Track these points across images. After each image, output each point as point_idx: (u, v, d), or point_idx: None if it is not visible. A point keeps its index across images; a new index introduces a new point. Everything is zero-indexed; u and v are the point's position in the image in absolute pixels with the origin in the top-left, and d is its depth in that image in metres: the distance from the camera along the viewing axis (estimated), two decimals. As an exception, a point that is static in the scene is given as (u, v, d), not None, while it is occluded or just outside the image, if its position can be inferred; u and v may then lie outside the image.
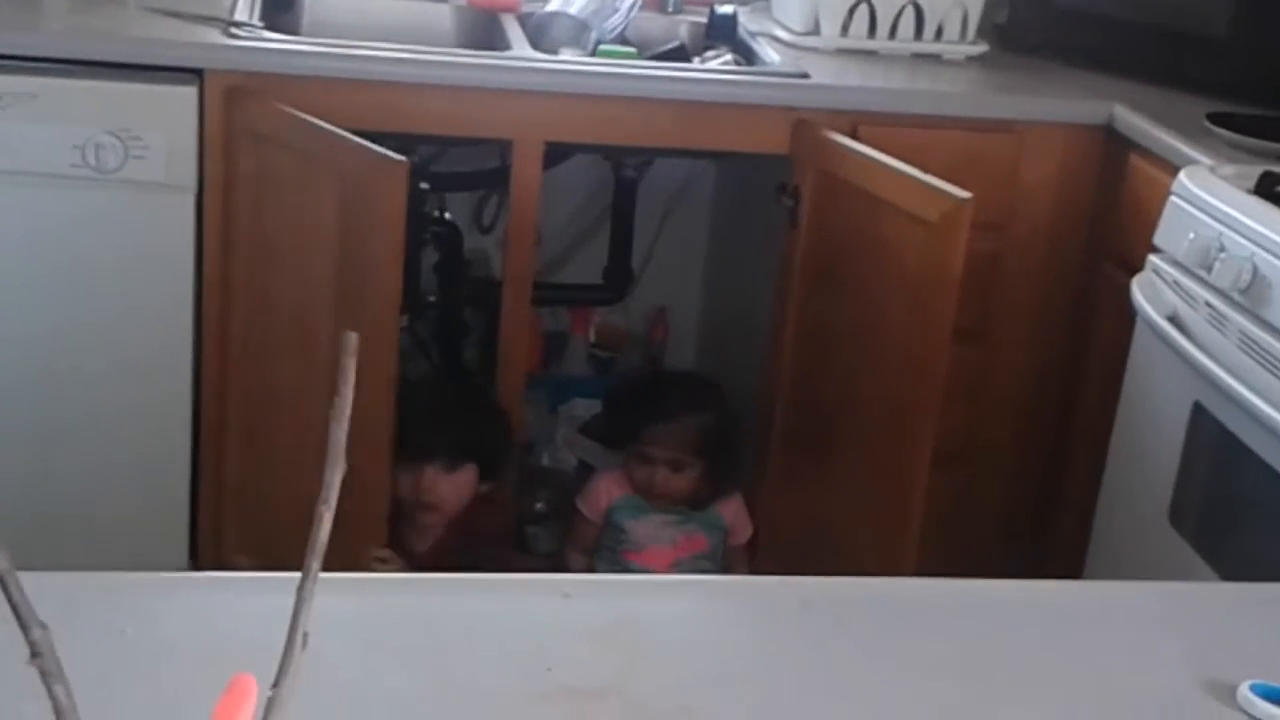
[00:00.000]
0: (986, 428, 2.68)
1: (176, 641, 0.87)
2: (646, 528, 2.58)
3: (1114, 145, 2.54)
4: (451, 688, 0.82)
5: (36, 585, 0.76)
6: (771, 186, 2.55)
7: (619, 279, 2.99)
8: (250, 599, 0.89)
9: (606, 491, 2.59)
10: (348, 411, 0.64)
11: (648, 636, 0.89)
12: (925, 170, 2.27)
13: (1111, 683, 0.91)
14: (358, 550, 2.23)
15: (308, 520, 2.31)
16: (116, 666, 0.82)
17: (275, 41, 2.39)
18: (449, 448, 2.33)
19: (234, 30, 2.37)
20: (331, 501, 0.64)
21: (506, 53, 2.51)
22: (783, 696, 0.87)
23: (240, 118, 2.30)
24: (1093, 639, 0.97)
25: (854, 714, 0.85)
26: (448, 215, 2.90)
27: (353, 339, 0.62)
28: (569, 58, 2.57)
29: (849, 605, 0.97)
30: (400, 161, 2.09)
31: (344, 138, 2.16)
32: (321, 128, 2.19)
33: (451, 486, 2.37)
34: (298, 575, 0.92)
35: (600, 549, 2.60)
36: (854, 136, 2.43)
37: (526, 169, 2.44)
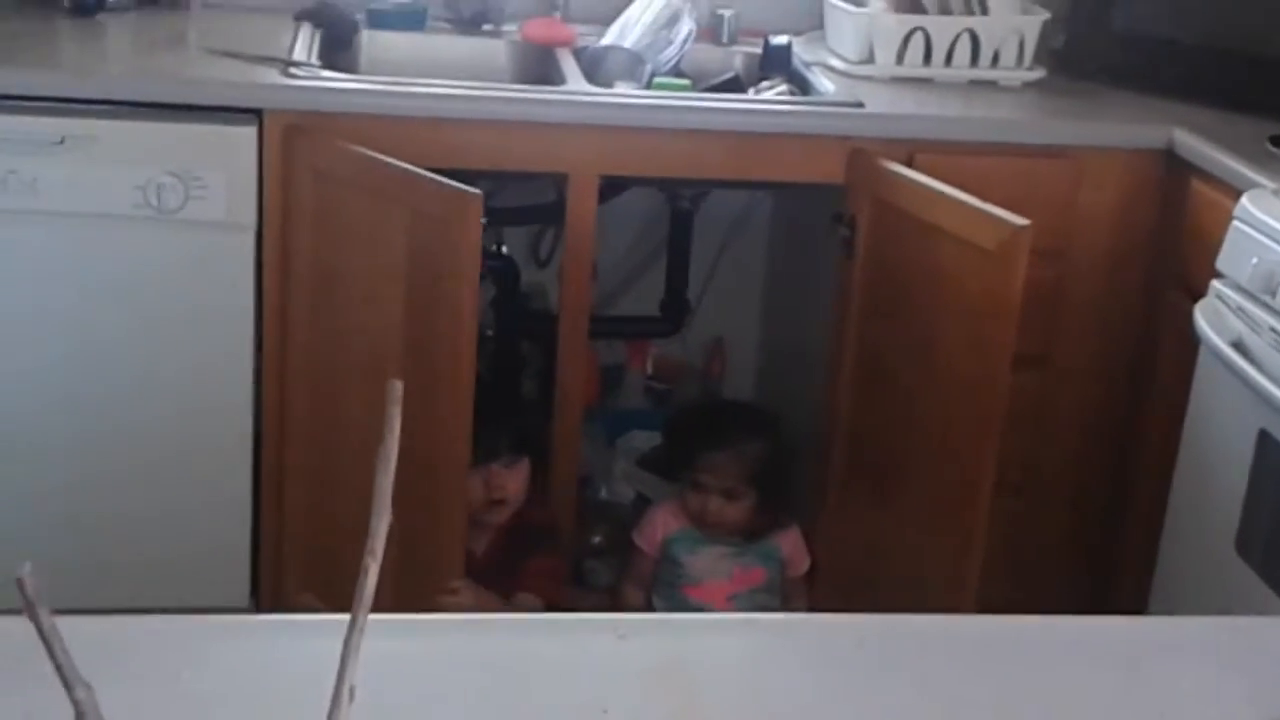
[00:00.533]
0: (1048, 455, 2.66)
1: (232, 686, 0.87)
2: (703, 561, 2.56)
3: (1174, 169, 2.51)
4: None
5: (90, 630, 0.76)
6: (828, 216, 2.54)
7: (676, 311, 2.98)
8: (308, 642, 0.89)
9: (663, 524, 2.58)
10: (393, 461, 0.64)
11: (703, 677, 0.88)
12: (983, 198, 2.26)
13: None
14: (438, 579, 2.24)
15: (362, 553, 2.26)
16: (172, 713, 0.82)
17: (333, 80, 2.41)
18: (508, 444, 2.36)
19: (292, 70, 2.40)
20: (378, 552, 0.63)
21: (561, 87, 2.52)
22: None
23: (300, 155, 2.32)
24: (1156, 676, 0.96)
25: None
26: (504, 249, 2.91)
27: (398, 388, 0.62)
28: (623, 91, 2.57)
29: (906, 643, 0.96)
30: (475, 195, 2.10)
31: (414, 173, 2.18)
32: (390, 164, 2.21)
33: (515, 478, 2.42)
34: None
35: (657, 583, 2.59)
36: (910, 165, 2.42)
37: (582, 202, 2.44)
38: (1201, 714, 0.91)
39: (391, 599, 2.39)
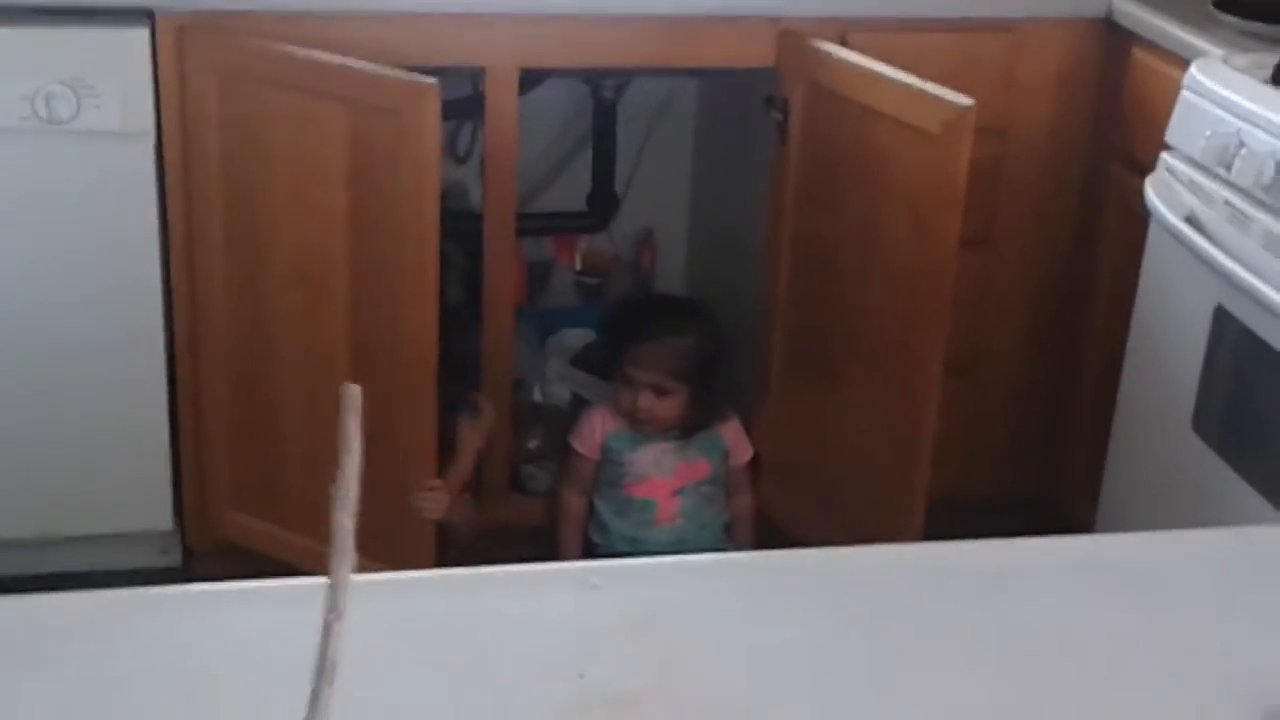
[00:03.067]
0: (994, 336, 2.60)
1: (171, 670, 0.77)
2: (645, 458, 2.49)
3: (1115, 38, 2.42)
4: (475, 705, 0.73)
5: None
6: (757, 99, 2.44)
7: (603, 204, 2.87)
8: (251, 615, 0.79)
9: (601, 424, 2.50)
10: (355, 487, 0.54)
11: (687, 627, 0.80)
12: (921, 77, 2.16)
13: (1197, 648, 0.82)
14: (410, 482, 2.18)
15: (311, 472, 2.21)
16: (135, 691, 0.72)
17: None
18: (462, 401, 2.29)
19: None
20: (341, 608, 0.53)
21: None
22: (841, 687, 0.78)
23: (199, 56, 2.17)
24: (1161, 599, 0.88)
25: (928, 706, 0.76)
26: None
27: (355, 393, 0.52)
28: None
29: (901, 578, 0.88)
30: (430, 85, 1.98)
31: (354, 66, 2.05)
32: (322, 58, 2.08)
33: (478, 436, 2.39)
34: (299, 582, 0.82)
35: (599, 484, 2.51)
36: (843, 44, 2.32)
37: (501, 96, 2.32)
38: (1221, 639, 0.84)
39: (364, 503, 2.32)
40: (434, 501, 2.20)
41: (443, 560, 2.30)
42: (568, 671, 0.75)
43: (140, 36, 2.17)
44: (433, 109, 1.96)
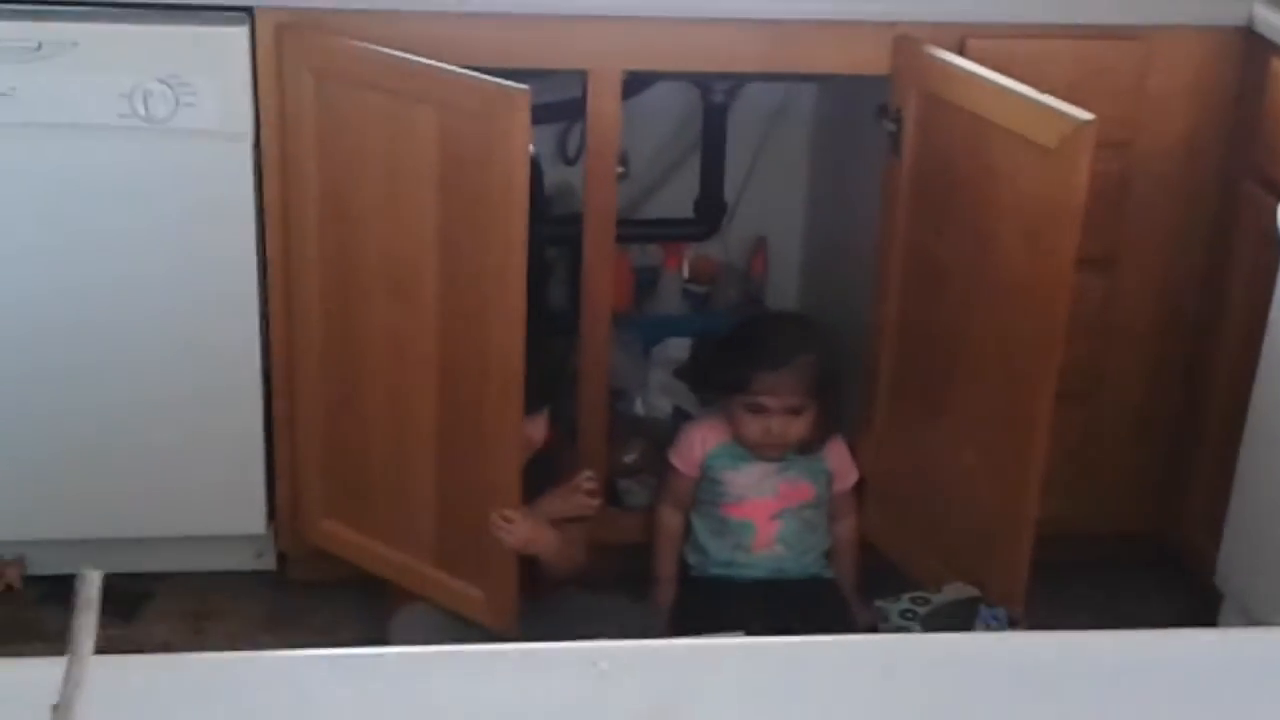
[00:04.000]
0: (1114, 362, 2.47)
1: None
2: (746, 478, 2.41)
3: (1255, 49, 2.28)
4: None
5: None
6: (874, 107, 2.34)
7: (711, 211, 2.79)
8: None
9: (701, 441, 2.42)
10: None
11: (701, 720, 0.72)
12: (1043, 86, 2.05)
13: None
14: (491, 507, 2.12)
15: (406, 481, 2.17)
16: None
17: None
18: (529, 396, 2.19)
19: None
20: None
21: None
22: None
23: (297, 55, 2.14)
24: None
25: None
26: (530, 148, 2.72)
27: (93, 581, 0.47)
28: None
29: (942, 669, 0.79)
30: (522, 91, 1.91)
31: (445, 69, 2.00)
32: (414, 60, 2.03)
33: (536, 429, 2.25)
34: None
35: (696, 503, 2.44)
36: (961, 52, 2.21)
37: (603, 100, 2.25)
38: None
39: (441, 533, 2.29)
40: (509, 532, 2.13)
41: (532, 586, 2.24)
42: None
43: (239, 34, 2.14)
44: (522, 116, 1.90)
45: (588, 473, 2.30)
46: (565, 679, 0.74)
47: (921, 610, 2.20)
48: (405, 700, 0.72)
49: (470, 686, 0.73)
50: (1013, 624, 2.17)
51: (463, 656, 0.76)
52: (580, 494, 2.27)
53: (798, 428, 2.35)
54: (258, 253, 2.26)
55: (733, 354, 2.42)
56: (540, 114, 2.64)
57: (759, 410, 2.34)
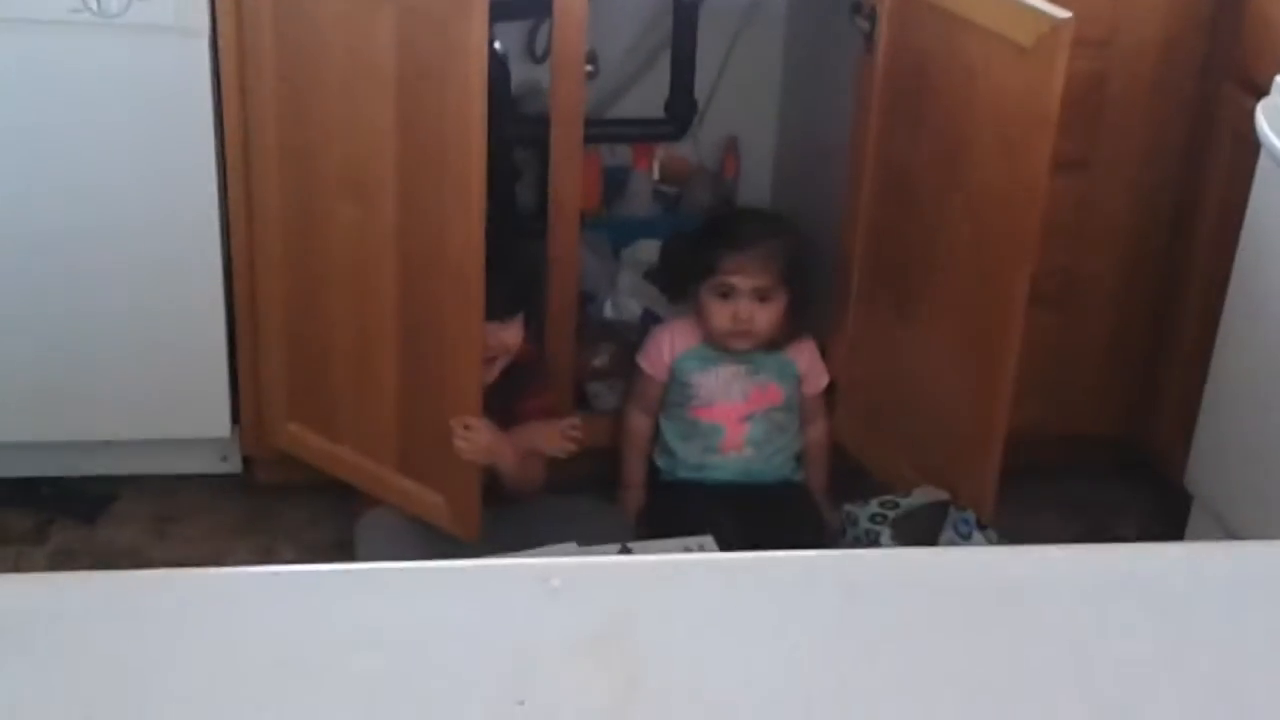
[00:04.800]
0: (1088, 265, 2.45)
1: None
2: (715, 381, 2.39)
3: (1236, -55, 2.24)
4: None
5: None
6: (846, 6, 2.29)
7: (681, 111, 2.73)
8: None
9: (670, 344, 2.39)
10: None
11: (654, 643, 0.70)
12: (1019, -20, 2.00)
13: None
14: (453, 413, 2.09)
15: (367, 386, 2.13)
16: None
17: None
18: (502, 298, 2.15)
19: None
20: None
21: None
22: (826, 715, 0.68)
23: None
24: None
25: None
26: (496, 45, 2.66)
27: None
28: None
29: (906, 587, 0.76)
30: None
31: None
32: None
33: (511, 334, 2.22)
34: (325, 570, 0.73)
35: (665, 406, 2.42)
36: (938, -54, 2.16)
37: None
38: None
39: (404, 440, 2.25)
40: (469, 440, 2.10)
41: (499, 491, 2.22)
42: (504, 697, 0.65)
43: (194, -76, 2.08)
44: (480, 17, 1.84)
45: (574, 420, 2.28)
46: (516, 596, 0.72)
47: (891, 514, 2.19)
48: (350, 619, 0.70)
49: (418, 604, 0.71)
50: (982, 528, 2.17)
51: (410, 573, 0.73)
52: (561, 436, 2.24)
53: (766, 314, 2.33)
54: (216, 153, 2.21)
55: (700, 241, 2.39)
56: (506, 10, 2.58)
57: (727, 294, 2.31)
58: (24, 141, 2.17)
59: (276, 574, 0.67)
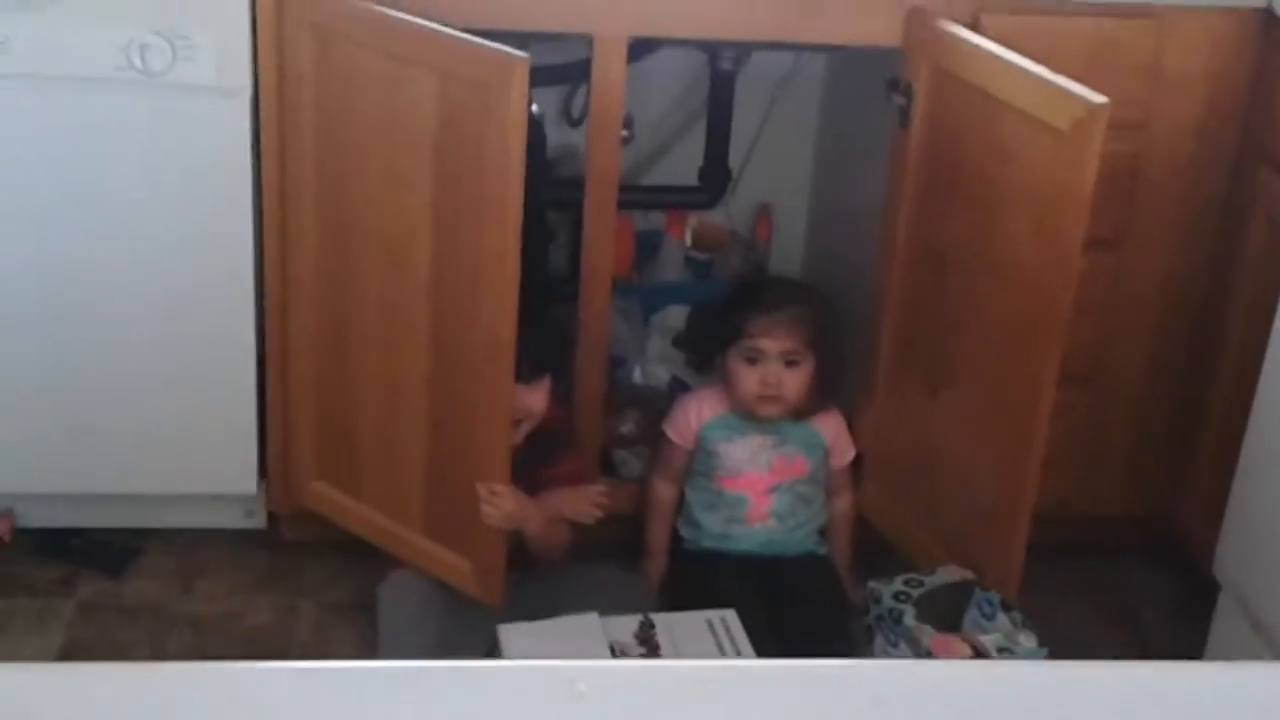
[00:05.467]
0: (1118, 346, 2.44)
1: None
2: (741, 451, 2.38)
3: (1274, 31, 2.24)
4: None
5: None
6: (885, 79, 2.30)
7: (715, 180, 2.75)
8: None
9: (697, 413, 2.39)
10: None
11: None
12: (1056, 64, 2.01)
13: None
14: (479, 478, 2.10)
15: (396, 448, 2.14)
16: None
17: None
18: (529, 361, 2.15)
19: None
20: None
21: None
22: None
23: (298, 12, 2.10)
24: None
25: None
26: (534, 108, 2.68)
27: None
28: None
29: (932, 700, 0.76)
30: (521, 59, 1.86)
31: (445, 33, 1.95)
32: (414, 22, 1.98)
33: (537, 397, 2.22)
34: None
35: (690, 475, 2.42)
36: (974, 27, 2.17)
37: (608, 66, 2.21)
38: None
39: (430, 502, 2.26)
40: (495, 506, 2.10)
41: (524, 557, 2.22)
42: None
43: (238, -12, 2.10)
44: (521, 83, 1.86)
45: (601, 487, 2.28)
46: (541, 700, 0.71)
47: (915, 592, 2.17)
48: (373, 718, 0.70)
49: (441, 706, 0.70)
50: (1006, 609, 2.15)
51: (434, 673, 0.73)
52: (587, 503, 2.24)
53: (794, 380, 2.32)
54: (253, 211, 2.22)
55: (728, 306, 2.39)
56: (545, 76, 2.61)
57: (755, 359, 2.31)
58: (63, 196, 2.19)
59: (300, 670, 0.66)
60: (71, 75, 2.11)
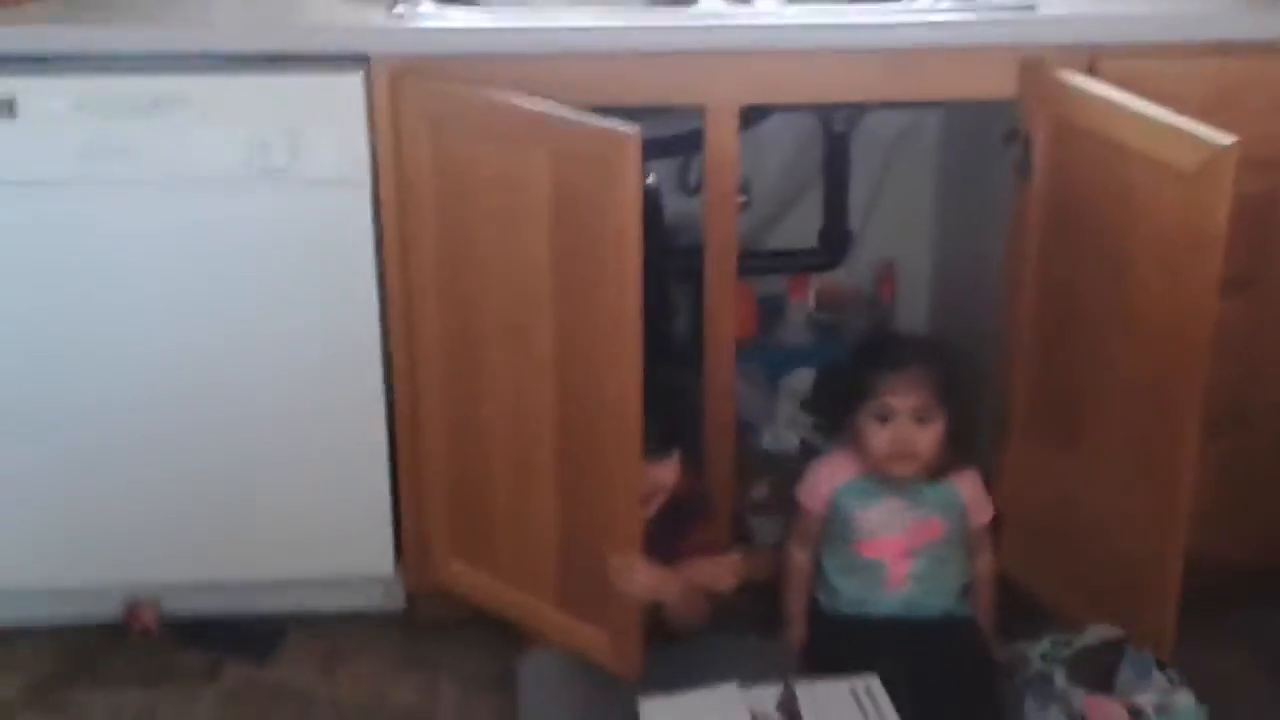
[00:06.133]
0: (1260, 389, 2.37)
1: None
2: (876, 515, 2.35)
3: (1406, 59, 2.17)
4: None
5: None
6: (1002, 131, 2.27)
7: (835, 241, 2.74)
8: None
9: (829, 478, 2.36)
10: None
11: None
12: (1180, 106, 1.97)
13: None
14: (611, 551, 2.10)
15: (529, 524, 2.15)
16: None
17: (441, 18, 2.21)
18: (655, 436, 2.14)
19: (398, 8, 2.20)
20: None
21: (694, 9, 2.27)
22: None
23: (412, 102, 2.13)
24: None
25: None
26: (651, 179, 2.69)
27: None
28: (763, 9, 2.32)
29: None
30: (631, 133, 1.87)
31: (554, 113, 1.97)
32: (524, 105, 2.01)
33: (666, 472, 2.21)
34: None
35: (826, 540, 2.38)
36: (1092, 73, 2.14)
37: (721, 136, 2.21)
38: None
39: (564, 576, 2.27)
40: (630, 580, 2.09)
41: (663, 627, 2.21)
42: None
43: (354, 82, 2.14)
44: (633, 157, 1.86)
45: (736, 556, 2.26)
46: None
47: (1064, 653, 2.12)
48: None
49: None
50: (1161, 668, 2.09)
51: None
52: (724, 572, 2.21)
53: (926, 437, 2.29)
54: (379, 300, 2.26)
55: (854, 366, 2.37)
56: (660, 149, 2.63)
57: (885, 417, 2.28)
58: (194, 295, 2.24)
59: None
60: (193, 177, 2.16)
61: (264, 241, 2.21)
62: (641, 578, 2.10)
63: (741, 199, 2.36)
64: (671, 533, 2.23)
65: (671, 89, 2.20)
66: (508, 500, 2.24)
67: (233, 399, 2.31)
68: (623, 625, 2.13)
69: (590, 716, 2.13)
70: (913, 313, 2.94)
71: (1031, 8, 2.21)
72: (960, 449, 2.35)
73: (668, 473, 2.20)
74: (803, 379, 2.74)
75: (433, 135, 2.12)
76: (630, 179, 1.88)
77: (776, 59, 2.18)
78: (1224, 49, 2.19)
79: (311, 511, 2.39)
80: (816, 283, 2.88)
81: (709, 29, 2.19)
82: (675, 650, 2.23)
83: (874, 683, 2.12)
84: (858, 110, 2.64)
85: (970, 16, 2.20)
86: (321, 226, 2.21)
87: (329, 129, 2.15)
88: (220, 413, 2.32)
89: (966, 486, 2.37)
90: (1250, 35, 2.19)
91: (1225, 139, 1.86)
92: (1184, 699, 2.02)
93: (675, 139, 2.60)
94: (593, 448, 2.06)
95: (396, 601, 2.53)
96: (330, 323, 2.27)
